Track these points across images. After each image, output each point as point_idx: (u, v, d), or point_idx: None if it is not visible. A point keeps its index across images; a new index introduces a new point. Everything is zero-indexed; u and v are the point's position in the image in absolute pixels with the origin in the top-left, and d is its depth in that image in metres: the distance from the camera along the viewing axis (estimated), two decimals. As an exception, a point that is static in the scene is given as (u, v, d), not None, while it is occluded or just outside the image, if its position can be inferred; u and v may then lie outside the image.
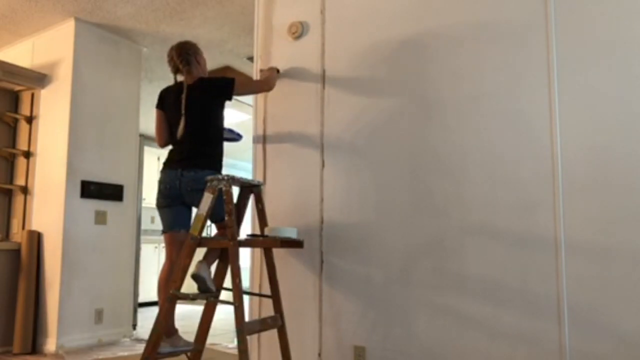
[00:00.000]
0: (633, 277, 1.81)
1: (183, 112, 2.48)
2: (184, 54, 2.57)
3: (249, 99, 3.75)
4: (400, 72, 2.42)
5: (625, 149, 1.86)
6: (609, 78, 1.92)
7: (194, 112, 2.50)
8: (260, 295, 2.57)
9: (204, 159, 2.49)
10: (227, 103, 2.60)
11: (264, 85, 2.69)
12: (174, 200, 2.48)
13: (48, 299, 3.73)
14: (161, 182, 2.51)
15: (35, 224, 3.94)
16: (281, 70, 2.79)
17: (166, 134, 2.61)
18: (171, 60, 2.60)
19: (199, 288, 2.28)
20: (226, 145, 2.67)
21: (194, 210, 2.53)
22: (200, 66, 2.63)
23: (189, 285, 2.73)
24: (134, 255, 4.29)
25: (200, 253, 2.34)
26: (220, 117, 2.59)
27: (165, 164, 2.55)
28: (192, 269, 2.26)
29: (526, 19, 2.11)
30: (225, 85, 2.54)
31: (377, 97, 2.47)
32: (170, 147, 2.62)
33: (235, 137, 2.74)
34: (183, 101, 2.49)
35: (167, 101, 2.60)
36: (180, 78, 2.61)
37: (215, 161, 2.54)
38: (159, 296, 2.47)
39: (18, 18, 3.91)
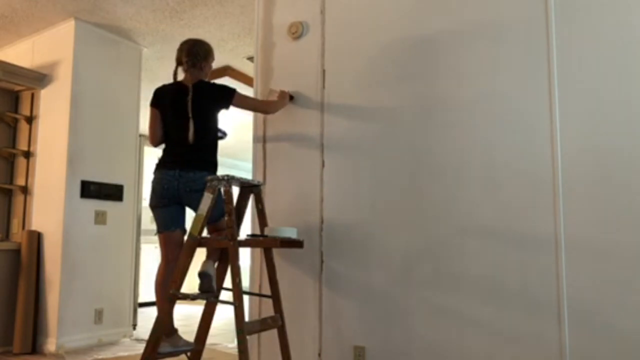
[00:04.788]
0: (633, 277, 1.80)
1: (191, 115, 2.46)
2: (193, 56, 2.55)
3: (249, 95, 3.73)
4: (400, 72, 2.42)
5: (626, 149, 1.86)
6: (609, 78, 1.92)
7: (199, 115, 2.48)
8: (260, 295, 2.57)
9: (203, 162, 2.49)
10: None
11: (265, 107, 2.67)
12: (170, 200, 2.47)
13: (48, 299, 3.73)
14: (157, 182, 2.48)
15: (35, 224, 3.94)
16: (294, 96, 2.73)
17: (160, 133, 2.59)
18: (180, 52, 2.57)
19: (200, 287, 2.28)
20: (226, 145, 2.67)
21: (188, 209, 2.54)
22: (203, 72, 2.61)
23: (189, 285, 2.73)
24: (133, 255, 4.29)
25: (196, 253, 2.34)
26: (217, 123, 2.59)
27: (160, 164, 2.52)
28: (192, 268, 2.26)
29: (526, 19, 2.11)
30: (226, 94, 2.53)
31: (377, 98, 2.47)
32: (163, 146, 2.60)
33: (221, 135, 2.74)
34: (189, 104, 2.47)
35: (163, 100, 2.57)
36: (179, 74, 2.59)
37: (212, 165, 2.55)
38: (156, 297, 2.46)
39: (18, 18, 3.91)
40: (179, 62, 2.58)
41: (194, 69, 2.56)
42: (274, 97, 2.70)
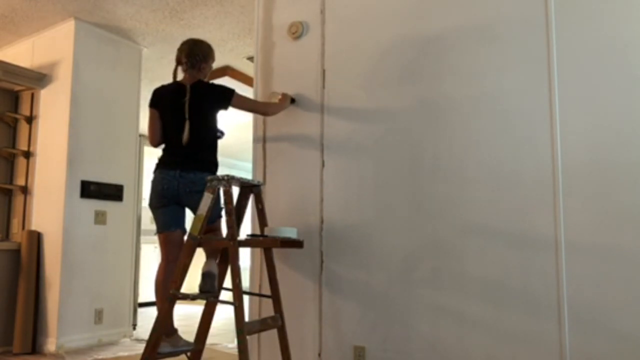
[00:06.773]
0: (633, 277, 1.80)
1: (187, 116, 2.46)
2: (192, 57, 2.54)
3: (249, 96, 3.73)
4: (401, 72, 2.42)
5: (626, 149, 1.86)
6: (610, 78, 1.92)
7: (196, 116, 2.49)
8: (260, 295, 2.57)
9: (203, 163, 2.49)
10: None
11: (265, 108, 2.67)
12: (170, 201, 2.48)
13: (48, 299, 3.73)
14: (158, 183, 2.48)
15: (35, 224, 3.94)
16: (296, 99, 2.72)
17: (160, 134, 2.58)
18: (180, 52, 2.57)
19: (202, 286, 2.28)
20: (226, 145, 2.67)
21: (187, 210, 2.53)
22: (202, 73, 2.61)
23: (189, 285, 2.73)
24: (133, 255, 4.29)
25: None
26: (216, 123, 2.59)
27: (160, 164, 2.52)
28: (191, 268, 2.26)
29: (526, 19, 2.11)
30: (225, 95, 2.53)
31: (378, 97, 2.47)
32: (163, 146, 2.60)
33: (219, 134, 2.74)
34: (186, 105, 2.47)
35: (163, 101, 2.57)
36: (179, 73, 2.59)
37: (213, 165, 2.55)
38: (156, 297, 2.46)
39: (18, 18, 3.91)
40: (178, 62, 2.58)
41: (193, 69, 2.56)
42: (276, 100, 2.70)
